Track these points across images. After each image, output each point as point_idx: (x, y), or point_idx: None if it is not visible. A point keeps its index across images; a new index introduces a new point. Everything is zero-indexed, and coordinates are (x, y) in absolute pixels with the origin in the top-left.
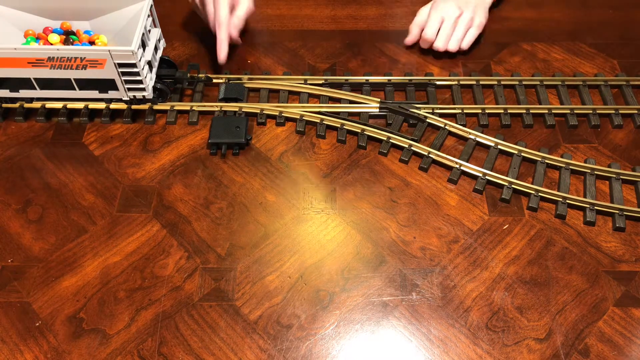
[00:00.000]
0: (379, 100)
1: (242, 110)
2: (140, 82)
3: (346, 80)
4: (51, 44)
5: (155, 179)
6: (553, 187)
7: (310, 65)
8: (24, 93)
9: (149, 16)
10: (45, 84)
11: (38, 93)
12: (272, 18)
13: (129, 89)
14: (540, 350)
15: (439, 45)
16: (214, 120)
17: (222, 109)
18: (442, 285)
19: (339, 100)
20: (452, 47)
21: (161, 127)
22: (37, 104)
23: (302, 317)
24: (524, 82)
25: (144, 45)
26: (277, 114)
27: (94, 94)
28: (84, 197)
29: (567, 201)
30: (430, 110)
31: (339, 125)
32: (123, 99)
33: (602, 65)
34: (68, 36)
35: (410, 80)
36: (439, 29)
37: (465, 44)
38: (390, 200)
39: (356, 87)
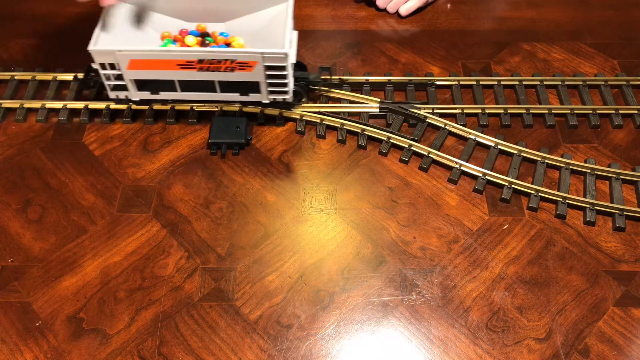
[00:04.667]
0: (379, 100)
1: (242, 110)
2: (286, 84)
3: (346, 80)
4: (188, 47)
5: (155, 179)
6: (553, 187)
7: (310, 65)
8: (163, 95)
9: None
10: (186, 86)
11: (178, 95)
12: None
13: (271, 92)
14: (540, 350)
15: (379, 3)
16: (214, 120)
17: (222, 108)
18: (442, 285)
19: (339, 100)
20: (391, 9)
21: (161, 127)
22: (36, 104)
23: (302, 317)
24: (524, 82)
25: None
26: (277, 114)
27: (235, 96)
28: (84, 197)
29: (567, 201)
30: (430, 110)
31: (339, 125)
32: (263, 101)
33: (602, 65)
34: (204, 38)
35: (410, 80)
36: None
37: (404, 10)
38: (390, 200)
39: (356, 87)
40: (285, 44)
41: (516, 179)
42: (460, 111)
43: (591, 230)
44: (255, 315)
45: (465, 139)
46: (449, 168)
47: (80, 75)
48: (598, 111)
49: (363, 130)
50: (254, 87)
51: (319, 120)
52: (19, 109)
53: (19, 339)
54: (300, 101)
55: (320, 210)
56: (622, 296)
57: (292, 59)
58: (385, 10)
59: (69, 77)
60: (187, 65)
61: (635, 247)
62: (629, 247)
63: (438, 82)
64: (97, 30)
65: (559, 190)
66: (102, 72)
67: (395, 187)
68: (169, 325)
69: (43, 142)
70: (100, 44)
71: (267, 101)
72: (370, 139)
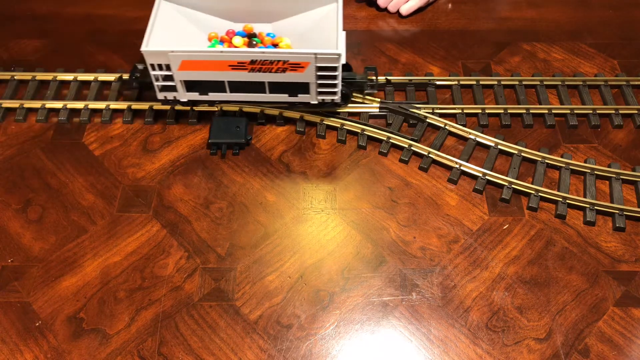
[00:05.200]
0: (379, 100)
1: (242, 110)
2: (335, 85)
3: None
4: (236, 47)
5: (155, 179)
6: (553, 187)
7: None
8: (212, 96)
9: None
10: (236, 87)
11: (227, 96)
12: None
13: (320, 93)
14: (540, 350)
15: (380, 2)
16: (214, 120)
17: (222, 108)
18: (442, 285)
19: None
20: (392, 8)
21: (161, 127)
22: (36, 104)
23: (302, 317)
24: (524, 82)
25: None
26: (277, 114)
27: (283, 97)
28: (84, 197)
29: (567, 201)
30: (430, 110)
31: (339, 125)
32: (311, 102)
33: (602, 65)
34: (251, 39)
35: (410, 80)
36: None
37: (405, 10)
38: (390, 200)
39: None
40: (338, 44)
41: (516, 179)
42: (460, 111)
43: (591, 230)
44: (255, 315)
45: (465, 139)
46: (449, 168)
47: (126, 76)
48: (598, 111)
49: (363, 130)
50: (303, 88)
51: (319, 120)
52: (19, 109)
53: (19, 339)
54: (346, 102)
55: (320, 210)
56: (622, 296)
57: (343, 59)
58: (386, 9)
59: (69, 77)
60: (238, 66)
61: (635, 247)
62: (629, 247)
63: (438, 82)
64: (148, 31)
65: (559, 190)
66: (152, 72)
67: (395, 187)
68: (169, 325)
69: (43, 142)
70: (153, 44)
71: (316, 102)
72: (370, 139)
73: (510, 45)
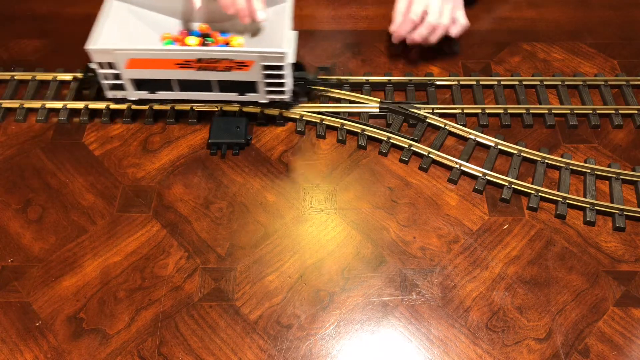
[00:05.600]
0: (379, 100)
1: (242, 110)
2: (283, 84)
3: (346, 80)
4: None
5: (155, 179)
6: (553, 187)
7: (310, 65)
8: (161, 94)
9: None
10: (184, 85)
11: (175, 95)
12: None
13: (269, 92)
14: (540, 350)
15: (416, 37)
16: (214, 120)
17: (222, 108)
18: (442, 285)
19: (339, 100)
20: (418, 37)
21: (161, 127)
22: (36, 104)
23: (302, 317)
24: (524, 82)
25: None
26: (277, 114)
27: (233, 96)
28: (84, 197)
29: (567, 201)
30: (430, 110)
31: (339, 125)
32: (260, 101)
33: (602, 65)
34: (205, 38)
35: (410, 80)
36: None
37: (456, 31)
38: (390, 200)
39: (356, 87)
40: (283, 43)
41: (516, 179)
42: (460, 111)
43: (591, 230)
44: (255, 315)
45: (465, 139)
46: (449, 168)
47: (80, 75)
48: (598, 111)
49: (363, 130)
50: (252, 86)
51: (319, 120)
52: (19, 109)
53: (19, 339)
54: (299, 101)
55: (320, 210)
56: (622, 296)
57: (291, 58)
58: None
59: (69, 77)
60: (185, 64)
61: (635, 247)
62: (629, 247)
63: (438, 82)
64: (95, 30)
65: (559, 190)
66: (99, 71)
67: (395, 187)
68: (169, 325)
69: (43, 142)
70: (99, 43)
71: (265, 101)
72: (370, 139)
73: (510, 45)
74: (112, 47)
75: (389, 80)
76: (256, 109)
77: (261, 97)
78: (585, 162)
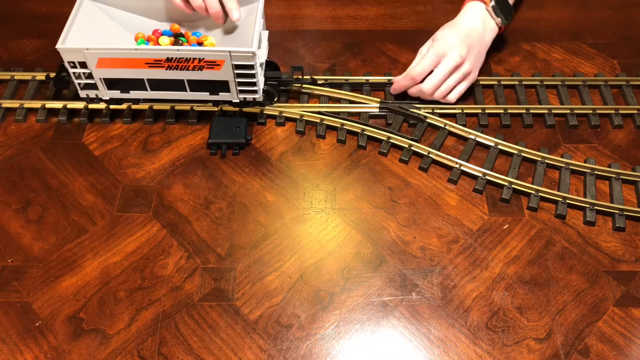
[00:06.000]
0: (379, 100)
1: (242, 110)
2: (254, 84)
3: (346, 80)
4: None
5: (155, 179)
6: (553, 187)
7: (310, 65)
8: (134, 94)
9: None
10: (156, 85)
11: (148, 94)
12: (272, 18)
13: (241, 91)
14: (540, 350)
15: (428, 92)
16: (214, 120)
17: (222, 109)
18: (442, 285)
19: (339, 100)
20: (439, 96)
21: (161, 127)
22: (36, 104)
23: (302, 317)
24: (524, 82)
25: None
26: (277, 114)
27: (205, 95)
28: (84, 197)
29: (567, 201)
30: (430, 110)
31: (339, 125)
32: (233, 100)
33: (602, 65)
34: (177, 38)
35: None
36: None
37: (453, 97)
38: (390, 200)
39: (356, 87)
40: (253, 43)
41: (516, 179)
42: (460, 111)
43: (591, 230)
44: (255, 315)
45: (465, 139)
46: (449, 168)
47: (52, 74)
48: (598, 111)
49: (363, 130)
50: (224, 86)
51: (319, 120)
52: (19, 109)
53: (19, 339)
54: (272, 101)
55: (320, 210)
56: (622, 296)
57: (262, 58)
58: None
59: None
60: (155, 63)
61: (635, 247)
62: (629, 247)
63: None
64: (66, 29)
65: (559, 190)
66: (71, 70)
67: (395, 187)
68: (169, 325)
69: (43, 142)
70: (69, 42)
71: (237, 100)
72: (370, 139)
73: (510, 45)
74: (83, 47)
75: (389, 80)
76: (256, 109)
77: (233, 97)
78: (585, 162)
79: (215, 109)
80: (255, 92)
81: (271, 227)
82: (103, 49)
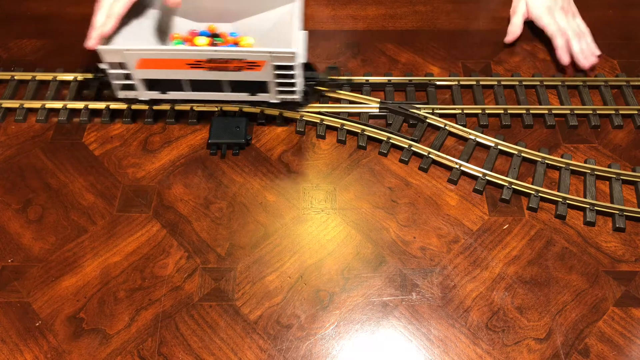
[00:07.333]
0: (379, 100)
1: (242, 110)
2: (294, 84)
3: (349, 80)
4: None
5: (155, 179)
6: (553, 187)
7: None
8: (173, 95)
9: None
10: (196, 85)
11: (187, 95)
12: None
13: (280, 92)
14: (540, 350)
15: (586, 63)
16: (214, 121)
17: (222, 109)
18: (442, 285)
19: (339, 100)
20: (590, 62)
21: (161, 127)
22: (36, 104)
23: (302, 317)
24: (524, 82)
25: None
26: (277, 114)
27: (244, 96)
28: (84, 197)
29: (567, 201)
30: (430, 111)
31: (339, 126)
32: (271, 101)
33: (602, 65)
34: (214, 39)
35: (410, 80)
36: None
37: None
38: (390, 200)
39: (356, 87)
40: (293, 43)
41: (516, 179)
42: (460, 111)
43: (591, 230)
44: (255, 315)
45: (465, 139)
46: (449, 168)
47: (85, 76)
48: (598, 111)
49: (363, 130)
50: (263, 86)
51: (319, 120)
52: (19, 109)
53: (19, 339)
54: (309, 101)
55: (320, 210)
56: (622, 296)
57: (301, 58)
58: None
59: (69, 77)
60: (196, 64)
61: (635, 247)
62: (629, 247)
63: (438, 82)
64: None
65: (559, 191)
66: (110, 71)
67: (395, 187)
68: (169, 325)
69: (43, 142)
70: (110, 43)
71: (276, 101)
72: (370, 139)
73: (510, 45)
74: (123, 47)
75: (389, 80)
76: (256, 109)
77: (272, 97)
78: (585, 162)
79: (216, 109)
80: (294, 92)
81: (271, 227)
82: (144, 49)
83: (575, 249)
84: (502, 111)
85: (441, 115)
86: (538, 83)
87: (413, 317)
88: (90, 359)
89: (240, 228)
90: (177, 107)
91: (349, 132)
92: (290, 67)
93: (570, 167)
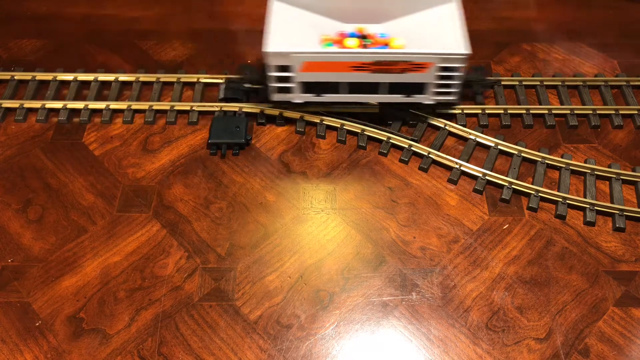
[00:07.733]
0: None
1: (242, 110)
2: (455, 86)
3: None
4: (349, 48)
5: (155, 179)
6: (553, 187)
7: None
8: (327, 97)
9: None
10: (353, 87)
11: (342, 97)
12: None
13: (437, 93)
14: (540, 350)
15: None
16: (214, 121)
17: (222, 109)
18: (442, 285)
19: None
20: None
21: (161, 127)
22: (37, 104)
23: (302, 317)
24: (524, 82)
25: None
26: (277, 114)
27: (398, 97)
28: (84, 197)
29: (567, 201)
30: (431, 111)
31: (339, 126)
32: (425, 102)
33: (602, 65)
34: (364, 40)
35: None
36: None
37: None
38: (390, 200)
39: None
40: (465, 45)
41: (516, 179)
42: (460, 111)
43: (591, 230)
44: (255, 315)
45: (465, 139)
46: (449, 168)
47: (219, 79)
48: (598, 111)
49: (363, 130)
50: (420, 88)
51: (319, 120)
52: (19, 109)
53: (19, 339)
54: (457, 102)
55: (320, 210)
56: (622, 296)
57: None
58: None
59: (69, 77)
60: (360, 67)
61: (635, 247)
62: (629, 247)
63: None
64: (267, 32)
65: (559, 191)
66: (272, 74)
67: (395, 187)
68: (169, 325)
69: (43, 142)
70: (275, 46)
71: (431, 102)
72: (370, 139)
73: (510, 45)
74: (290, 50)
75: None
76: (256, 109)
77: (427, 99)
78: (585, 162)
79: (216, 109)
80: (452, 93)
81: (271, 227)
82: (310, 52)
83: (575, 249)
84: (502, 111)
85: (441, 115)
86: (538, 83)
87: (413, 317)
88: (90, 359)
89: (240, 228)
90: (177, 107)
91: (349, 132)
92: (456, 69)
93: (570, 167)
